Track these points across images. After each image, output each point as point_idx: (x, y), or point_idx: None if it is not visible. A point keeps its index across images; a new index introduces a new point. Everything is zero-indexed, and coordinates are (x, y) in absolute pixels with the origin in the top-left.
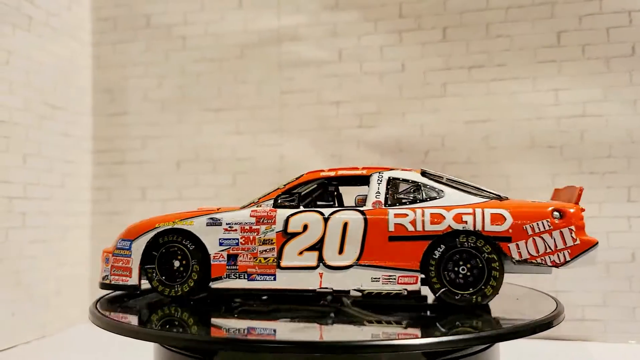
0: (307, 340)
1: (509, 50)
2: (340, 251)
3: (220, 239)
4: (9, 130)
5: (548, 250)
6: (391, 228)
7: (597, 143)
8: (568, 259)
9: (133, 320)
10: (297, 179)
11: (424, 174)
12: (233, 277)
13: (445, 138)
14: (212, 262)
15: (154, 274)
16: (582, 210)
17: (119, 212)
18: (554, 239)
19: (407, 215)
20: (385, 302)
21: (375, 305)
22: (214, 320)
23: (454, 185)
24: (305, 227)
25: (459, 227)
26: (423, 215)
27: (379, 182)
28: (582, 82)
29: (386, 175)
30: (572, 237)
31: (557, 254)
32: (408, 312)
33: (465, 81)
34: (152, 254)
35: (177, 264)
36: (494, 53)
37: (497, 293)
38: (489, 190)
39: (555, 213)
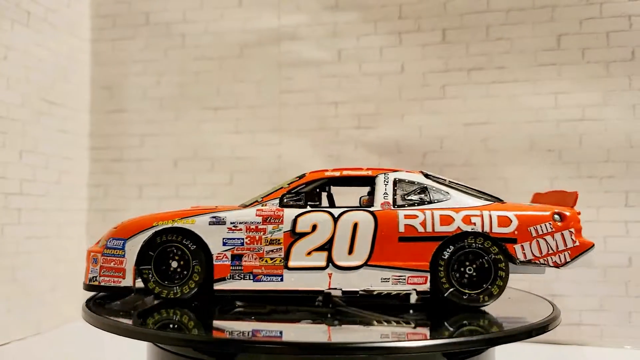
0: (318, 342)
1: (509, 53)
2: (350, 251)
3: (224, 238)
4: (6, 126)
5: (550, 251)
6: (401, 229)
7: (596, 147)
8: (568, 259)
9: (126, 318)
10: (300, 178)
11: (426, 176)
12: (237, 277)
13: (444, 140)
14: (215, 263)
15: (150, 275)
16: (579, 213)
17: (115, 209)
18: (556, 241)
19: (417, 216)
20: (390, 302)
21: (370, 306)
22: (213, 322)
23: (456, 187)
24: (314, 227)
25: (468, 228)
26: (433, 216)
27: (385, 183)
28: (581, 86)
29: (392, 176)
30: (572, 239)
31: (559, 255)
32: (401, 313)
33: (464, 83)
34: (148, 254)
35: (174, 264)
36: (494, 55)
37: (502, 292)
38: (488, 193)
39: (556, 216)
